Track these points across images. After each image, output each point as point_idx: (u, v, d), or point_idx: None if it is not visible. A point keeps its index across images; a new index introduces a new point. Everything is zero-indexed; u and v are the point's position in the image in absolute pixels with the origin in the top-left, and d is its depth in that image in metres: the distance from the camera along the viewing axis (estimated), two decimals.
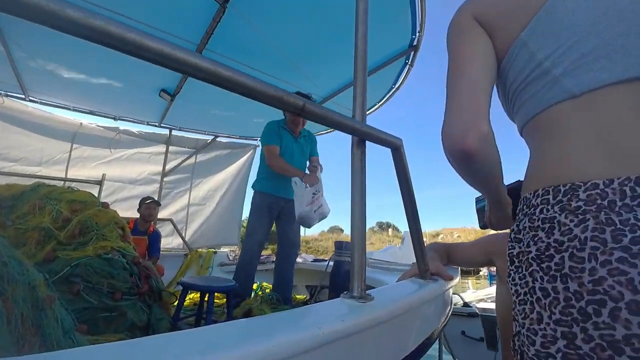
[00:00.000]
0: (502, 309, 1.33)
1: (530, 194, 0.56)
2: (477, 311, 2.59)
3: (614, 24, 0.52)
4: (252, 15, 2.12)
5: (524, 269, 0.52)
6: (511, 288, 0.56)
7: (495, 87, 0.66)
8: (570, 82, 0.53)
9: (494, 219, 0.88)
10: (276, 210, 2.66)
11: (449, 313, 1.36)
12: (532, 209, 0.54)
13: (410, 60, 2.63)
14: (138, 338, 0.43)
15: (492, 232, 1.23)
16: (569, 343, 0.44)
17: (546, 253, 0.48)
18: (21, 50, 2.61)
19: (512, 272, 0.56)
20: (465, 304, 2.80)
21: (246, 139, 4.76)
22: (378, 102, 3.34)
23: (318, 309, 0.66)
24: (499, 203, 0.79)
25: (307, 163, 2.83)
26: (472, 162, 0.55)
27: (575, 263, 0.45)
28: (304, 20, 2.20)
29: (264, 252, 2.99)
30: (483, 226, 1.04)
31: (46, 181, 3.28)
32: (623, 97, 0.49)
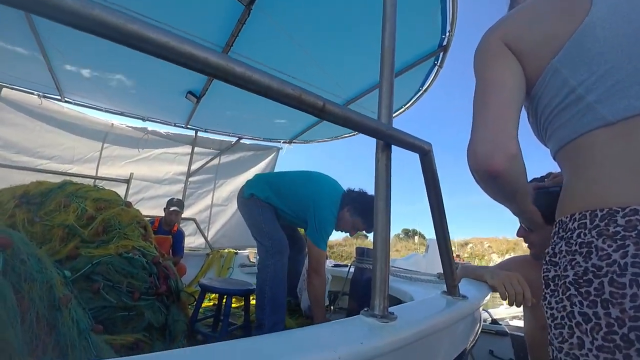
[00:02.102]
0: (530, 331, 1.25)
1: (567, 217, 0.56)
2: (507, 330, 2.44)
3: None
4: (278, 16, 2.10)
5: (560, 293, 0.52)
6: (546, 311, 0.55)
7: (526, 112, 0.68)
8: (605, 109, 0.53)
9: (528, 230, 0.92)
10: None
11: (478, 332, 1.26)
12: (568, 233, 0.54)
13: (439, 61, 2.53)
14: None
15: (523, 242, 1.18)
16: None
17: (584, 278, 0.49)
18: (58, 53, 2.72)
19: (547, 295, 0.56)
20: (494, 321, 2.65)
21: (270, 141, 4.77)
22: (405, 105, 3.25)
23: (335, 328, 0.60)
24: (526, 213, 0.81)
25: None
26: (499, 182, 0.57)
27: (615, 289, 0.45)
28: (330, 20, 2.16)
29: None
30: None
31: (76, 179, 3.44)
32: None
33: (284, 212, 2.20)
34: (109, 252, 1.55)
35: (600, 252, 0.48)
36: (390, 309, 0.68)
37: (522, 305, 1.05)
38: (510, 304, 1.06)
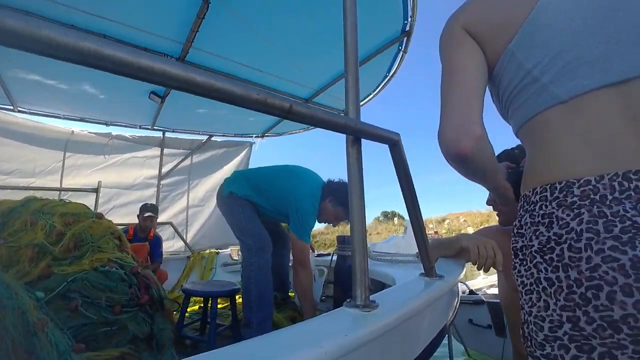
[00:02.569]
0: (505, 297, 1.33)
1: (529, 191, 0.61)
2: (484, 298, 2.57)
3: (595, 32, 0.56)
4: (237, 7, 2.05)
5: (528, 262, 0.57)
6: (517, 279, 0.60)
7: (489, 93, 0.72)
8: (558, 88, 0.57)
9: (498, 203, 0.98)
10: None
11: (457, 305, 1.33)
12: (531, 206, 0.59)
13: (403, 47, 2.56)
14: None
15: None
16: (574, 326, 0.48)
17: (547, 246, 0.53)
18: (7, 61, 2.54)
19: (517, 264, 0.60)
20: (471, 292, 2.79)
21: (241, 137, 4.69)
22: (372, 92, 3.28)
23: (320, 322, 0.62)
24: (498, 189, 0.86)
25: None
26: (468, 163, 0.60)
27: (573, 253, 0.50)
28: (292, 9, 2.13)
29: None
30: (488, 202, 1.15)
31: (41, 192, 3.26)
32: (606, 100, 0.54)
33: (264, 209, 2.19)
34: (84, 267, 1.49)
35: (560, 221, 0.52)
36: (372, 297, 0.70)
37: (495, 271, 1.12)
38: (480, 268, 1.11)
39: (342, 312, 0.65)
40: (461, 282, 2.72)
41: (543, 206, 0.56)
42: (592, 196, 0.50)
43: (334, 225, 2.26)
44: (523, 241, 0.59)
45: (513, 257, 0.62)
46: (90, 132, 3.93)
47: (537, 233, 0.55)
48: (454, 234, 1.58)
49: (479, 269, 1.10)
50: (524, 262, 0.58)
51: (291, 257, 2.33)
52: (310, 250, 2.33)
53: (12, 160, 3.52)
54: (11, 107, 3.34)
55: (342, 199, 2.09)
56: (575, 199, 0.52)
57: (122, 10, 2.01)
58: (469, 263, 1.22)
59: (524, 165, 0.99)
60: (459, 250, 1.25)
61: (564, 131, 0.56)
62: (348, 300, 0.69)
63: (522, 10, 0.61)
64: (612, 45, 0.54)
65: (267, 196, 2.15)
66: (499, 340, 2.19)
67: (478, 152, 0.59)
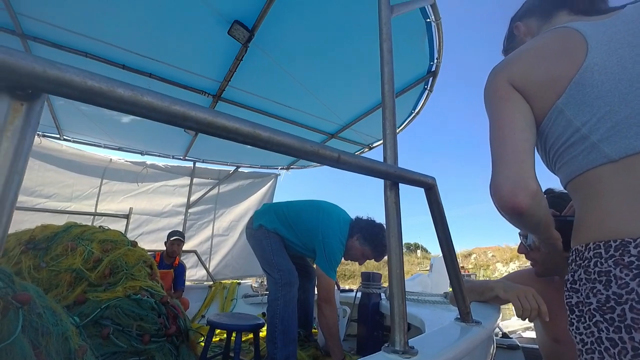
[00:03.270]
0: (544, 344, 1.26)
1: (582, 246, 0.60)
2: (518, 343, 2.42)
3: None
4: (272, 51, 2.19)
5: (587, 319, 0.56)
6: (575, 337, 0.58)
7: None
8: (608, 148, 0.59)
9: (543, 253, 0.97)
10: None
11: (494, 352, 1.26)
12: (585, 261, 0.58)
13: (429, 86, 2.63)
14: None
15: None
16: None
17: (607, 305, 0.53)
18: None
19: (574, 321, 0.59)
20: (505, 335, 2.63)
21: (267, 168, 4.82)
22: (398, 127, 3.33)
23: None
24: (549, 239, 0.83)
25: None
26: (524, 217, 0.60)
27: (636, 315, 0.49)
28: (321, 50, 2.25)
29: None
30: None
31: (76, 217, 3.43)
32: None
33: (292, 242, 2.20)
34: (117, 294, 1.54)
35: (619, 280, 0.52)
36: (409, 342, 0.69)
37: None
38: (524, 319, 1.06)
39: (382, 357, 0.65)
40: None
41: (598, 263, 0.55)
42: None
43: (360, 264, 2.23)
44: (578, 297, 0.59)
45: (569, 312, 0.62)
46: (127, 161, 4.16)
47: (595, 291, 0.55)
48: (481, 270, 1.53)
49: (524, 319, 1.05)
50: (582, 320, 0.57)
51: (315, 292, 2.30)
52: (335, 287, 2.29)
53: (53, 185, 3.76)
54: (57, 136, 3.61)
55: (369, 238, 2.08)
56: (632, 258, 0.51)
57: (169, 52, 2.20)
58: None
59: (568, 213, 0.97)
60: (493, 299, 1.21)
61: (616, 189, 0.57)
62: (386, 344, 0.68)
63: (569, 68, 0.63)
64: None
65: (295, 230, 2.17)
66: None
67: (534, 206, 0.60)
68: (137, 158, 4.18)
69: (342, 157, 0.55)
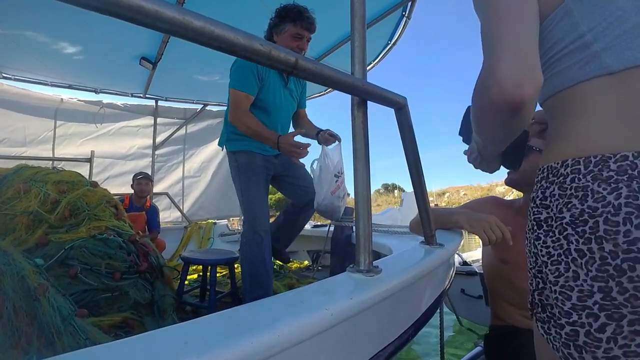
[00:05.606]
0: (490, 265, 1.38)
1: (557, 163, 0.58)
2: (476, 270, 2.63)
3: None
4: None
5: (557, 233, 0.56)
6: (541, 250, 0.59)
7: None
8: (611, 58, 0.54)
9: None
10: (273, 171, 1.92)
11: (452, 275, 1.35)
12: (561, 178, 0.57)
13: (407, 12, 2.45)
14: (139, 335, 0.39)
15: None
16: (605, 295, 0.50)
17: (580, 218, 0.53)
18: None
19: (541, 235, 0.59)
20: (464, 263, 2.85)
21: None
22: (374, 60, 3.17)
23: (324, 286, 0.62)
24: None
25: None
26: (521, 113, 0.54)
27: (609, 226, 0.50)
28: None
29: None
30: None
31: (34, 162, 3.20)
32: None
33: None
34: (81, 235, 1.49)
35: (595, 194, 0.51)
36: (374, 263, 0.70)
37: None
38: (491, 244, 1.13)
39: (346, 277, 0.65)
40: (457, 253, 2.78)
41: (576, 179, 0.54)
42: (629, 171, 0.49)
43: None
44: (548, 213, 0.58)
45: (535, 227, 0.61)
46: (79, 100, 3.81)
47: (570, 205, 0.54)
48: (453, 207, 1.59)
49: (489, 245, 1.12)
50: (551, 234, 0.57)
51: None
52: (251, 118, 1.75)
53: (1, 129, 3.42)
54: None
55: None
56: (611, 173, 0.51)
57: None
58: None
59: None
60: (455, 227, 1.26)
61: (606, 104, 0.54)
62: (351, 265, 0.69)
63: None
64: None
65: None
66: (488, 309, 2.27)
67: (533, 102, 0.54)
68: (92, 97, 3.83)
69: (300, 62, 0.48)
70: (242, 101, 1.70)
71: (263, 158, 1.83)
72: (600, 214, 0.51)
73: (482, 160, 0.82)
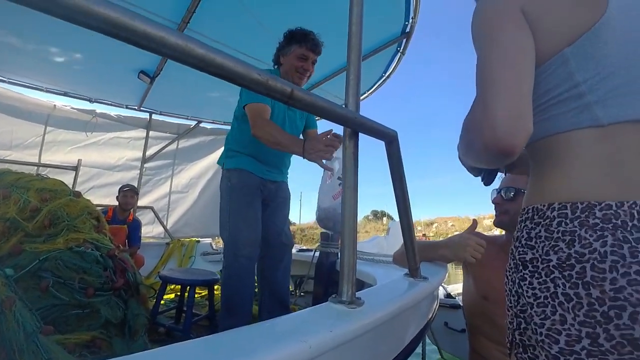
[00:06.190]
0: (470, 301, 1.39)
1: (543, 205, 0.60)
2: (460, 303, 2.61)
3: None
4: None
5: (543, 275, 0.57)
6: (527, 291, 0.59)
7: None
8: (601, 112, 0.56)
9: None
10: (262, 195, 1.84)
11: (436, 308, 1.34)
12: (547, 220, 0.58)
13: (402, 48, 2.56)
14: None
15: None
16: (593, 342, 0.50)
17: (567, 262, 0.54)
18: None
19: (527, 276, 0.60)
20: (448, 295, 2.83)
21: (230, 125, 4.60)
22: (367, 91, 3.27)
23: (304, 317, 0.61)
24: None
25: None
26: (509, 159, 0.55)
27: (596, 273, 0.51)
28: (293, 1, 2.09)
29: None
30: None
31: (17, 166, 3.12)
32: (637, 133, 0.56)
33: (261, 160, 1.77)
34: (58, 246, 1.44)
35: (583, 240, 0.53)
36: (357, 294, 0.69)
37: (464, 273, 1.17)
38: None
39: (327, 307, 0.64)
40: (442, 285, 2.76)
41: (563, 223, 0.56)
42: (614, 220, 0.51)
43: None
44: (533, 253, 0.59)
45: (521, 267, 0.61)
46: (73, 108, 3.78)
47: (557, 249, 0.56)
48: (441, 238, 1.61)
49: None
50: (537, 275, 0.58)
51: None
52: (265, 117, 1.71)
53: None
54: None
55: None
56: (597, 220, 0.52)
57: None
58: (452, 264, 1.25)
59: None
60: (440, 258, 1.28)
61: (593, 154, 0.56)
62: (333, 295, 0.68)
63: (587, 17, 0.57)
64: None
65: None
66: None
67: (522, 149, 0.55)
68: (86, 105, 3.81)
69: (295, 92, 0.49)
70: (263, 111, 1.65)
71: (259, 180, 1.79)
72: (587, 259, 0.52)
73: (463, 163, 0.83)
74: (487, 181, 0.89)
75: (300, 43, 1.75)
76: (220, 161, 1.95)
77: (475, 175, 0.89)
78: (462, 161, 0.81)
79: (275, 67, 1.88)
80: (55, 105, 3.67)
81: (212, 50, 0.38)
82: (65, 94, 3.58)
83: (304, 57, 1.75)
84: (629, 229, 0.51)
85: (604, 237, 0.52)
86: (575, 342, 0.52)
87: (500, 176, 1.11)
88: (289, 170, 2.04)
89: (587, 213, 0.54)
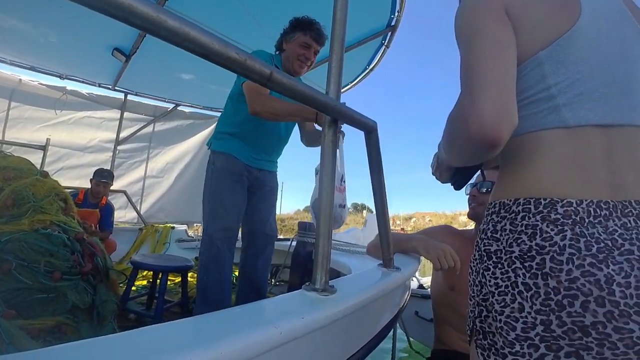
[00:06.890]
0: (439, 292, 1.44)
1: (510, 200, 0.63)
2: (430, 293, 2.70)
3: (605, 72, 0.60)
4: None
5: (506, 265, 0.60)
6: (489, 280, 0.62)
7: None
8: (569, 114, 0.60)
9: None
10: (248, 182, 1.78)
11: (407, 298, 1.37)
12: (512, 214, 0.62)
13: (386, 41, 2.56)
14: (77, 342, 0.35)
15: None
16: (546, 328, 0.53)
17: (528, 254, 0.57)
18: None
19: (491, 266, 0.62)
20: (420, 286, 2.91)
21: (211, 110, 4.50)
22: (351, 82, 3.26)
23: (277, 303, 0.61)
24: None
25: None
26: (494, 150, 0.57)
27: (555, 264, 0.54)
28: None
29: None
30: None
31: None
32: (599, 137, 0.59)
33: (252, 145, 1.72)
34: (22, 228, 1.37)
35: (544, 234, 0.56)
36: (331, 282, 0.70)
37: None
38: (442, 271, 1.24)
39: (301, 295, 0.64)
40: (415, 276, 2.83)
41: (526, 217, 0.59)
42: (573, 217, 0.55)
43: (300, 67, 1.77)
44: (498, 245, 0.62)
45: (485, 258, 0.64)
46: (41, 84, 3.57)
47: (519, 241, 0.59)
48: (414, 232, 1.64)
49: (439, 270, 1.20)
50: (500, 266, 0.61)
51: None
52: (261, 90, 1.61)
53: None
54: None
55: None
56: (558, 216, 0.56)
57: None
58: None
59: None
60: (412, 252, 1.32)
61: (558, 153, 0.60)
62: (307, 283, 0.68)
63: (561, 22, 0.60)
64: (614, 89, 0.60)
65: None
66: None
67: (506, 141, 0.56)
68: (55, 82, 3.60)
69: (275, 75, 0.48)
70: (262, 87, 1.50)
71: (244, 166, 1.74)
72: (547, 252, 0.55)
73: (438, 167, 0.86)
74: (458, 185, 0.90)
75: (304, 31, 1.73)
76: (208, 142, 1.89)
77: (445, 181, 0.90)
78: (438, 164, 0.84)
79: (277, 52, 1.85)
80: (21, 79, 3.45)
81: (186, 24, 0.37)
82: (32, 68, 3.37)
83: (307, 45, 1.73)
84: (585, 224, 0.55)
85: (564, 232, 0.55)
86: (530, 329, 0.55)
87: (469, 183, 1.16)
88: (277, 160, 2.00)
89: (549, 209, 0.57)
